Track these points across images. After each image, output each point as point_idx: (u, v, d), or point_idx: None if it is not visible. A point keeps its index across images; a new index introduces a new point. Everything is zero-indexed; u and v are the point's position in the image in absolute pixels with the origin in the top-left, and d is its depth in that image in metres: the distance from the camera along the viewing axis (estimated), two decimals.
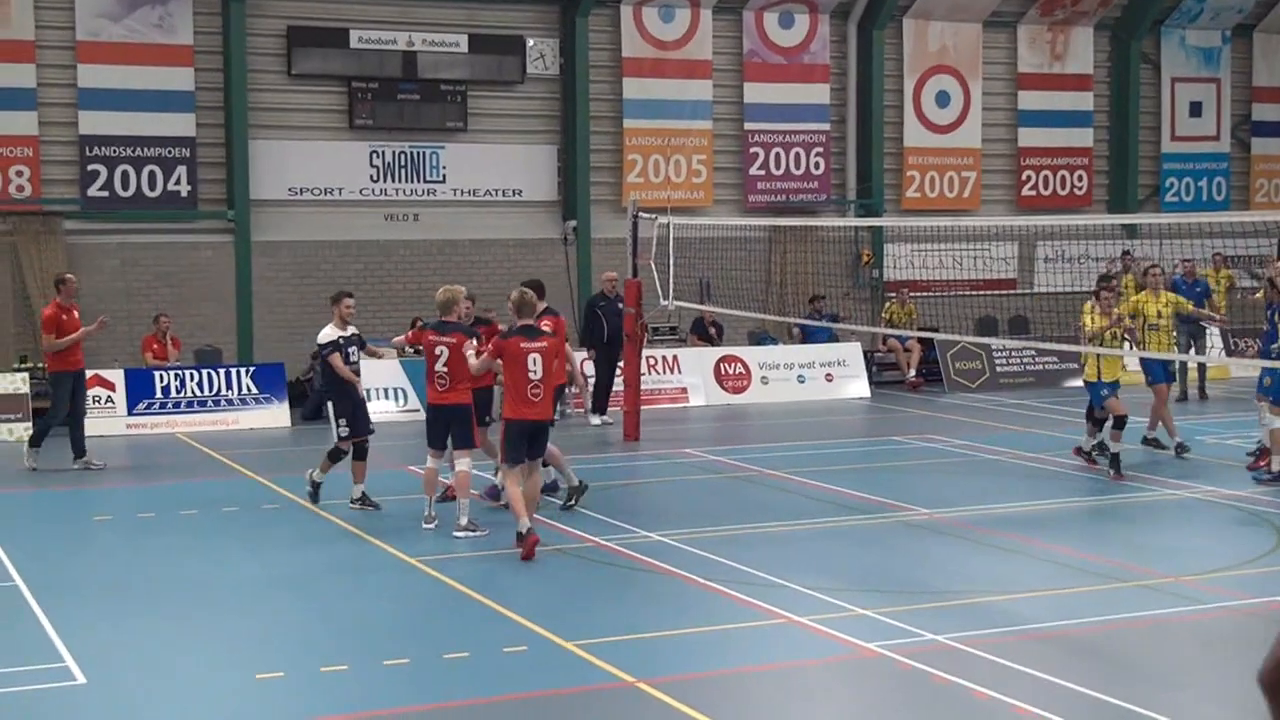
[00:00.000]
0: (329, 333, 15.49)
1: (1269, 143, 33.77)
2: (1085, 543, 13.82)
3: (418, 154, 26.92)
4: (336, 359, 15.28)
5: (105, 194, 24.99)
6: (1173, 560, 13.10)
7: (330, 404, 15.68)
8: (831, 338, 27.41)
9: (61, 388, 18.89)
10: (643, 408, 21.25)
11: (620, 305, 21.63)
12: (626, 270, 21.51)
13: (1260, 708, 4.89)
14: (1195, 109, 32.91)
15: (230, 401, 22.71)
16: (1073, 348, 24.99)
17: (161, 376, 22.62)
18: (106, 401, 22.18)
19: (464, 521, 14.11)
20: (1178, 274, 25.25)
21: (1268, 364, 16.70)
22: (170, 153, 25.24)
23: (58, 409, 18.95)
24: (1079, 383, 27.23)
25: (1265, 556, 13.23)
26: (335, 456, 15.61)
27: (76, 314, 19.13)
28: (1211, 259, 27.98)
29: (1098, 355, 17.26)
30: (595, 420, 22.26)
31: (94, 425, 21.83)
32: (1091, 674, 9.66)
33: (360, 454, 15.53)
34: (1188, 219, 26.95)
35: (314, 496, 15.75)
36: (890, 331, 26.80)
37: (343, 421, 15.38)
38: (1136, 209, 31.69)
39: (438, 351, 14.32)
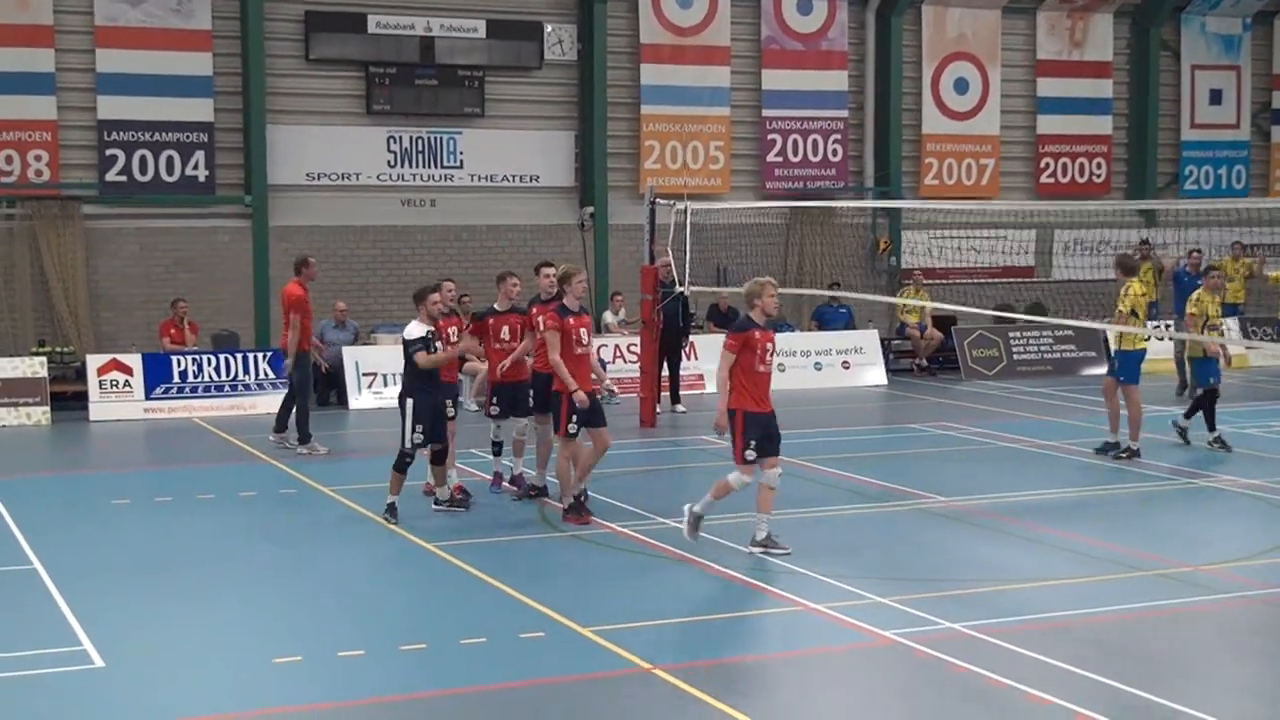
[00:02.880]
0: (417, 329, 14.24)
1: None
2: (1103, 531, 13.78)
3: (435, 139, 26.91)
4: (421, 357, 14.10)
5: (123, 179, 25.02)
6: (1192, 549, 13.06)
7: (410, 403, 14.19)
8: (848, 325, 27.40)
9: (301, 366, 18.80)
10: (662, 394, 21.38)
11: (677, 290, 21.64)
12: (643, 256, 21.49)
13: None
14: (1215, 96, 32.78)
15: (247, 386, 22.73)
16: (1089, 324, 24.99)
17: (179, 361, 22.66)
18: (124, 386, 22.23)
19: (760, 537, 12.78)
20: (1181, 264, 25.18)
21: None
22: (188, 138, 25.26)
23: (305, 388, 18.95)
24: (1096, 370, 27.41)
25: None
26: (403, 467, 14.23)
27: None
28: (1231, 247, 27.91)
29: None
30: (680, 409, 22.25)
31: (112, 410, 21.96)
32: (1109, 663, 9.64)
33: (438, 458, 14.49)
34: (1207, 206, 26.89)
35: (391, 516, 14.23)
36: (908, 305, 26.72)
37: (419, 427, 14.14)
38: (1155, 197, 31.58)
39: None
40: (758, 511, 12.80)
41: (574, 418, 13.94)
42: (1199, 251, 25.22)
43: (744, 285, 13.16)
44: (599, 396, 14.63)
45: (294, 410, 18.88)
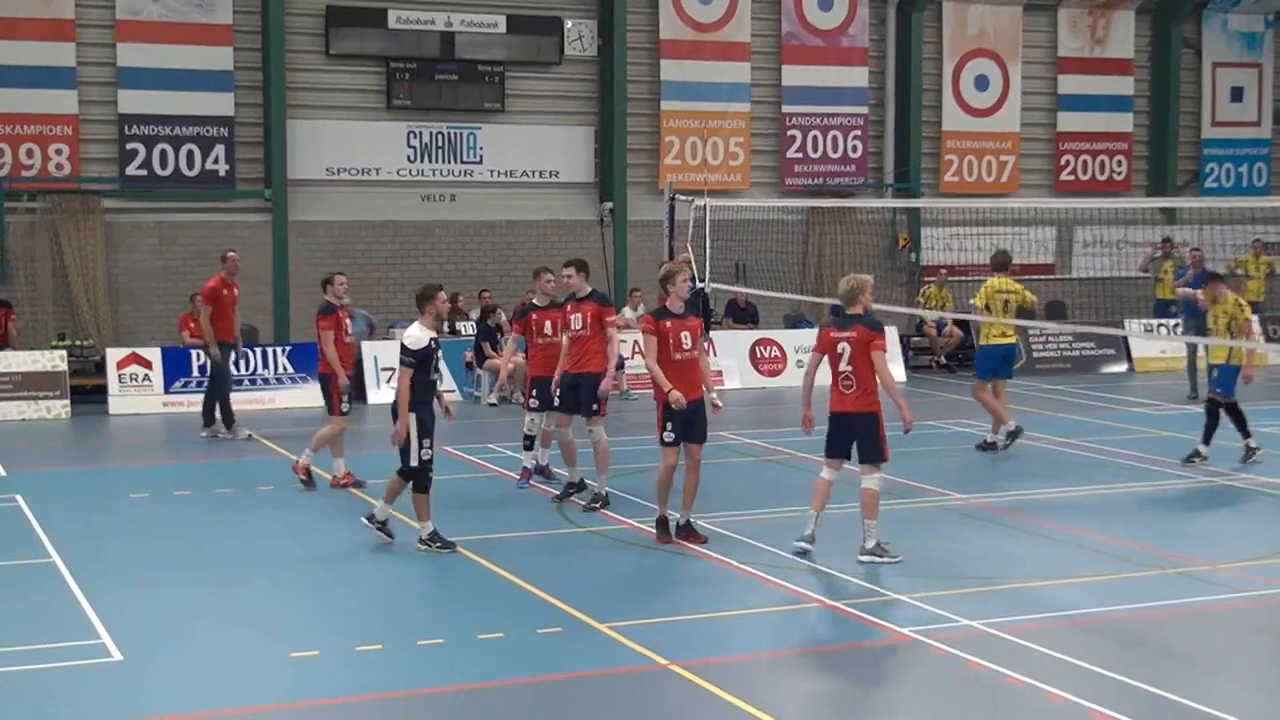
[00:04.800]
0: (418, 336, 12.74)
1: None
2: (1122, 529, 13.73)
3: (455, 135, 26.94)
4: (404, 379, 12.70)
5: (144, 173, 25.09)
6: (1211, 548, 13.02)
7: (413, 418, 12.61)
8: None
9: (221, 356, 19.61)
10: None
11: (697, 286, 21.58)
12: (662, 252, 21.48)
13: None
14: (1236, 94, 32.66)
15: (266, 381, 22.79)
16: (1110, 330, 24.97)
17: (198, 355, 22.68)
18: (144, 380, 22.30)
19: (870, 545, 12.42)
20: (1183, 265, 25.00)
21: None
22: (208, 132, 25.32)
23: (223, 376, 19.78)
24: (1115, 369, 27.36)
25: None
26: (424, 486, 12.78)
27: (236, 291, 19.96)
28: (1251, 245, 27.79)
29: None
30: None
31: (131, 403, 22.03)
32: (1128, 661, 9.62)
33: (422, 485, 12.89)
34: (1227, 204, 26.77)
35: (439, 544, 12.82)
36: (927, 313, 26.64)
37: (427, 442, 12.70)
38: (1175, 194, 31.47)
39: (840, 349, 13.27)
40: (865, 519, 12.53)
41: (669, 424, 13.18)
42: (1198, 250, 25.08)
43: (840, 284, 12.97)
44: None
45: (215, 400, 19.78)
